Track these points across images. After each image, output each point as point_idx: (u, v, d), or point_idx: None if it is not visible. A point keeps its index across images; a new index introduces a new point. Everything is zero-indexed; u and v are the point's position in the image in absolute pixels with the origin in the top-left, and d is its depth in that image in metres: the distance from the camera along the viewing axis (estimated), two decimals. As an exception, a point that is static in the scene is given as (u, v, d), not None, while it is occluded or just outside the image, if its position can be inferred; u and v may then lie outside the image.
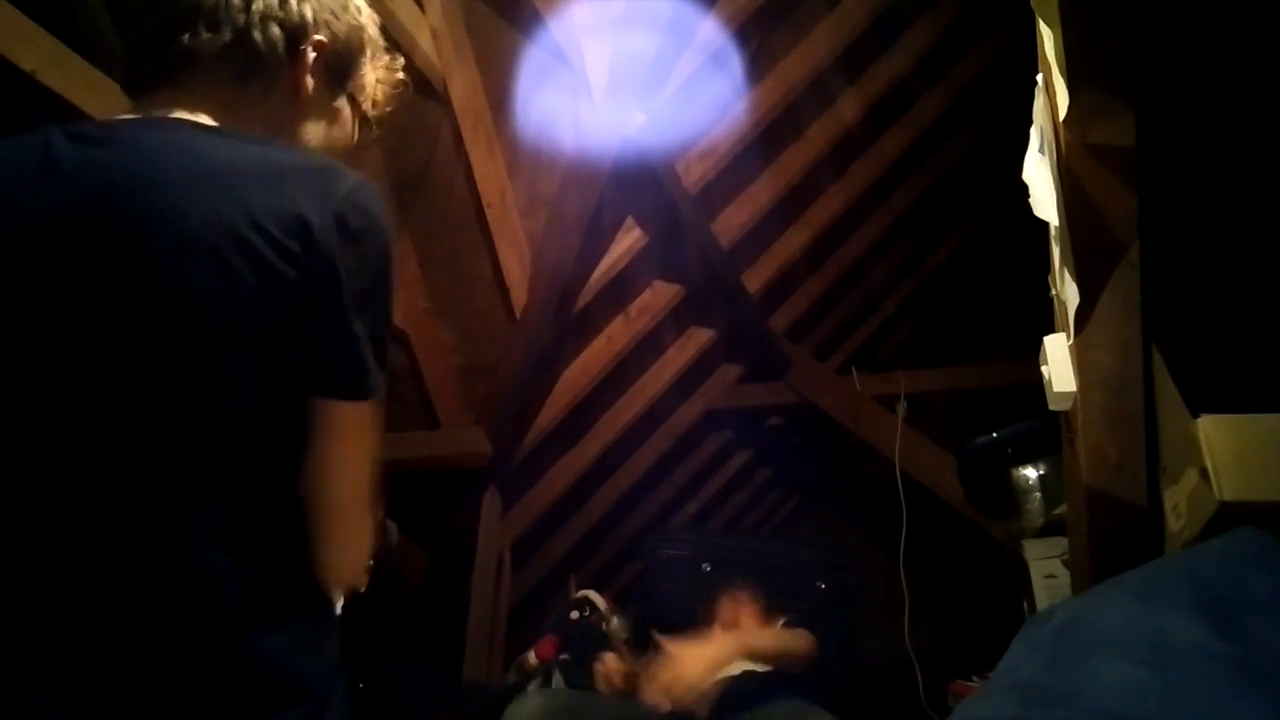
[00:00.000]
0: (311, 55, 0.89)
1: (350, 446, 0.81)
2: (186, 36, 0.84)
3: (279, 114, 0.89)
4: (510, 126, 2.26)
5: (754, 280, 3.22)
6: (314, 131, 0.92)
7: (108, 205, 0.74)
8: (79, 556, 0.72)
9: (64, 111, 1.38)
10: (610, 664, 2.32)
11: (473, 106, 2.18)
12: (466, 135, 2.20)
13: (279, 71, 0.88)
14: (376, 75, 0.98)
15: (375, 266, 0.79)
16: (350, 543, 0.84)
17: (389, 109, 1.01)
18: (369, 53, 0.96)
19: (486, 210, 2.32)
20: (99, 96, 1.41)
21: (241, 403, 0.74)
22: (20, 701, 0.69)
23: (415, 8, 2.06)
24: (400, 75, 1.01)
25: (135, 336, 0.73)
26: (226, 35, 0.85)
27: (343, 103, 0.94)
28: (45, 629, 0.71)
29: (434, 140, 2.25)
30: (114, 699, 0.71)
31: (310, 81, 0.90)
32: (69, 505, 0.73)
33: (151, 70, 0.86)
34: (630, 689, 2.21)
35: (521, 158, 2.32)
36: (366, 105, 0.97)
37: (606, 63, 1.94)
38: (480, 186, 2.29)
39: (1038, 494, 2.30)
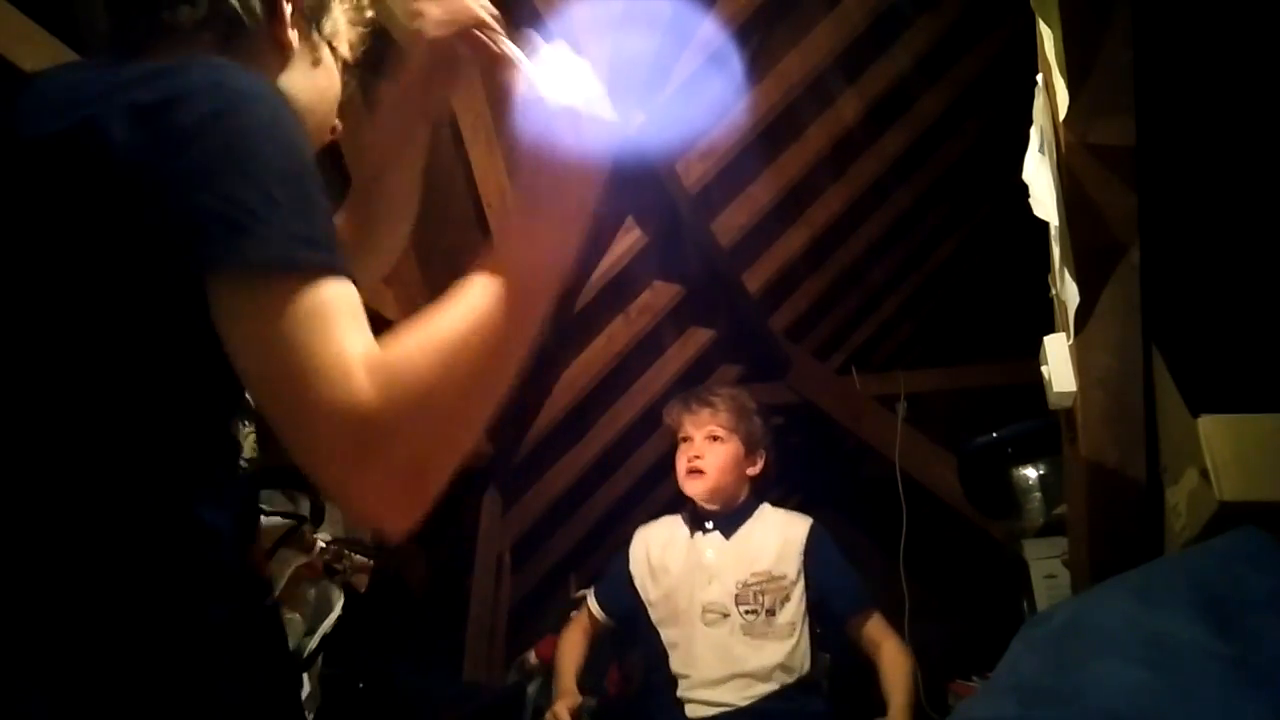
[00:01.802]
0: (288, 8, 0.88)
1: (245, 327, 0.67)
2: (165, 13, 0.83)
3: (267, 75, 0.87)
4: (510, 126, 2.25)
5: (754, 280, 3.22)
6: (303, 85, 0.91)
7: None
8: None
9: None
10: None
11: (473, 107, 2.18)
12: (466, 135, 2.20)
13: (259, 31, 0.87)
14: (347, 17, 0.96)
15: (217, 135, 0.68)
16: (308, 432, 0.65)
17: (363, 49, 0.99)
18: None
19: (486, 210, 2.32)
20: (99, 96, 1.40)
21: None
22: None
23: (415, 8, 2.06)
24: (368, 12, 0.99)
25: None
26: (203, 7, 0.83)
27: (324, 51, 0.93)
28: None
29: (434, 140, 2.25)
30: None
31: (292, 35, 0.89)
32: None
33: (132, 43, 0.84)
34: None
35: (522, 158, 2.32)
36: (342, 49, 0.96)
37: (606, 63, 1.94)
38: (480, 186, 2.29)
39: (1038, 494, 2.30)
